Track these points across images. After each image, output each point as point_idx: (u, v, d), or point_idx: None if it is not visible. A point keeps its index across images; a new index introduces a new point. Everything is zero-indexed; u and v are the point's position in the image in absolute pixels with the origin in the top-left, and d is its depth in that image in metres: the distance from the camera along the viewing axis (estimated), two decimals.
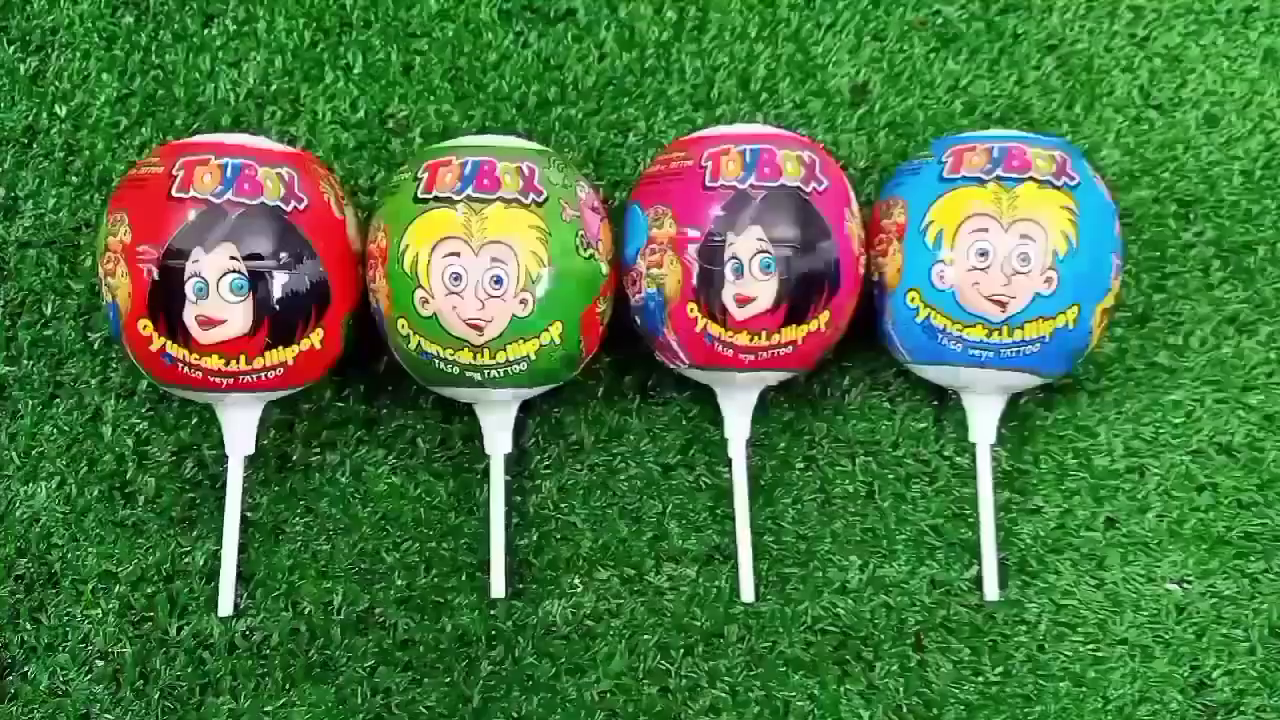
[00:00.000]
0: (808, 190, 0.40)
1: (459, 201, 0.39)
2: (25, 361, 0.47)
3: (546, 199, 0.39)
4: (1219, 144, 0.50)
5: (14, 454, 0.46)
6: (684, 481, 0.47)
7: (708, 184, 0.39)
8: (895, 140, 0.50)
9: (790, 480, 0.47)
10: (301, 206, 0.39)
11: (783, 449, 0.47)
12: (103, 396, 0.46)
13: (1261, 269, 0.48)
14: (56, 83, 0.49)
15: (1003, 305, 0.40)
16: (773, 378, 0.42)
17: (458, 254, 0.38)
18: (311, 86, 0.50)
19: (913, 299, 0.41)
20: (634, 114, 0.50)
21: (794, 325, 0.40)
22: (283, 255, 0.39)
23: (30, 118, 0.49)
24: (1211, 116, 0.50)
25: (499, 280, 0.38)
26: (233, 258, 0.38)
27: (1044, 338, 0.40)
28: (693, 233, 0.39)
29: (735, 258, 0.39)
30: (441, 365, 0.40)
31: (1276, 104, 0.50)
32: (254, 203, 0.38)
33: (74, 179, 0.48)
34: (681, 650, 0.45)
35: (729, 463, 0.45)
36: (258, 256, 0.38)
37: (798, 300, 0.40)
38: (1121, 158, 0.50)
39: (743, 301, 0.39)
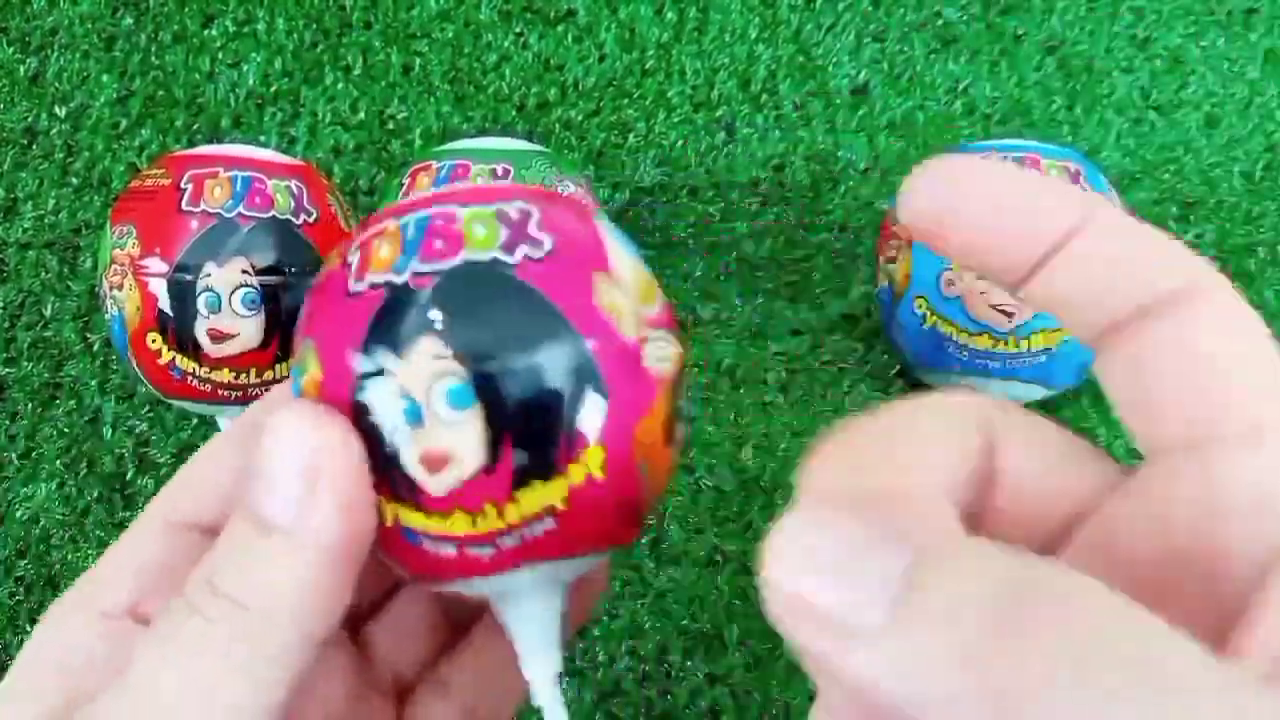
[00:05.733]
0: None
1: None
2: (25, 362, 0.46)
3: None
4: (1219, 145, 0.50)
5: (13, 455, 0.46)
6: (684, 483, 0.47)
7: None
8: (895, 141, 0.50)
9: (790, 481, 0.47)
10: (311, 220, 0.39)
11: (783, 449, 0.47)
12: (103, 398, 0.46)
13: (1262, 271, 0.48)
14: (56, 83, 0.49)
15: (1009, 315, 0.40)
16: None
17: None
18: (311, 87, 0.49)
19: (920, 305, 0.41)
20: (634, 114, 0.50)
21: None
22: (295, 268, 0.39)
23: (30, 118, 0.49)
24: (1212, 118, 0.50)
25: None
26: (244, 271, 0.38)
27: (1050, 349, 0.40)
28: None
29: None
30: None
31: (1277, 105, 0.51)
32: (265, 216, 0.38)
33: (74, 180, 0.48)
34: (682, 653, 0.45)
35: (730, 464, 0.45)
36: (270, 270, 0.38)
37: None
38: (1122, 159, 0.50)
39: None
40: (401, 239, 0.21)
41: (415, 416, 0.20)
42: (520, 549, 0.21)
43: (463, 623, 0.27)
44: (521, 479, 0.20)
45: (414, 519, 0.20)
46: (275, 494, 0.19)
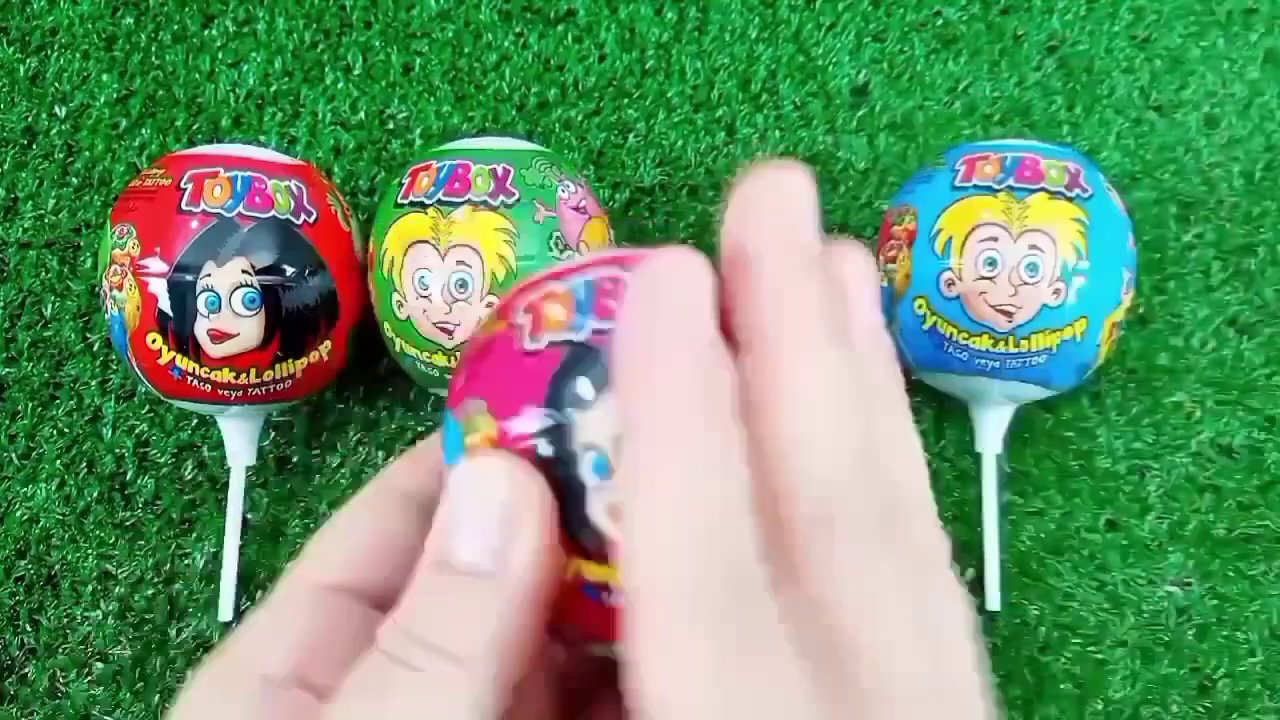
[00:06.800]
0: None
1: (429, 205, 0.39)
2: (25, 362, 0.46)
3: (518, 200, 0.39)
4: (1219, 145, 0.50)
5: (13, 455, 0.46)
6: None
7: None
8: (895, 142, 0.50)
9: None
10: (311, 220, 0.39)
11: None
12: (103, 398, 0.46)
13: (1262, 271, 0.48)
14: (56, 83, 0.49)
15: (1009, 315, 0.40)
16: None
17: (426, 257, 0.38)
18: (311, 87, 0.49)
19: (920, 306, 0.41)
20: (634, 114, 0.50)
21: None
22: (295, 268, 0.39)
23: (30, 118, 0.48)
24: (1212, 118, 0.50)
25: (464, 283, 0.38)
26: (244, 271, 0.38)
27: (1050, 349, 0.40)
28: None
29: None
30: (423, 368, 0.40)
31: (1277, 105, 0.50)
32: (265, 216, 0.38)
33: (74, 180, 0.48)
34: None
35: None
36: (270, 270, 0.38)
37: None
38: (1122, 159, 0.50)
39: None
40: (573, 300, 0.22)
41: (603, 469, 0.20)
42: None
43: (583, 696, 0.27)
44: None
45: (598, 572, 0.21)
46: (474, 540, 0.19)
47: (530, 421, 0.21)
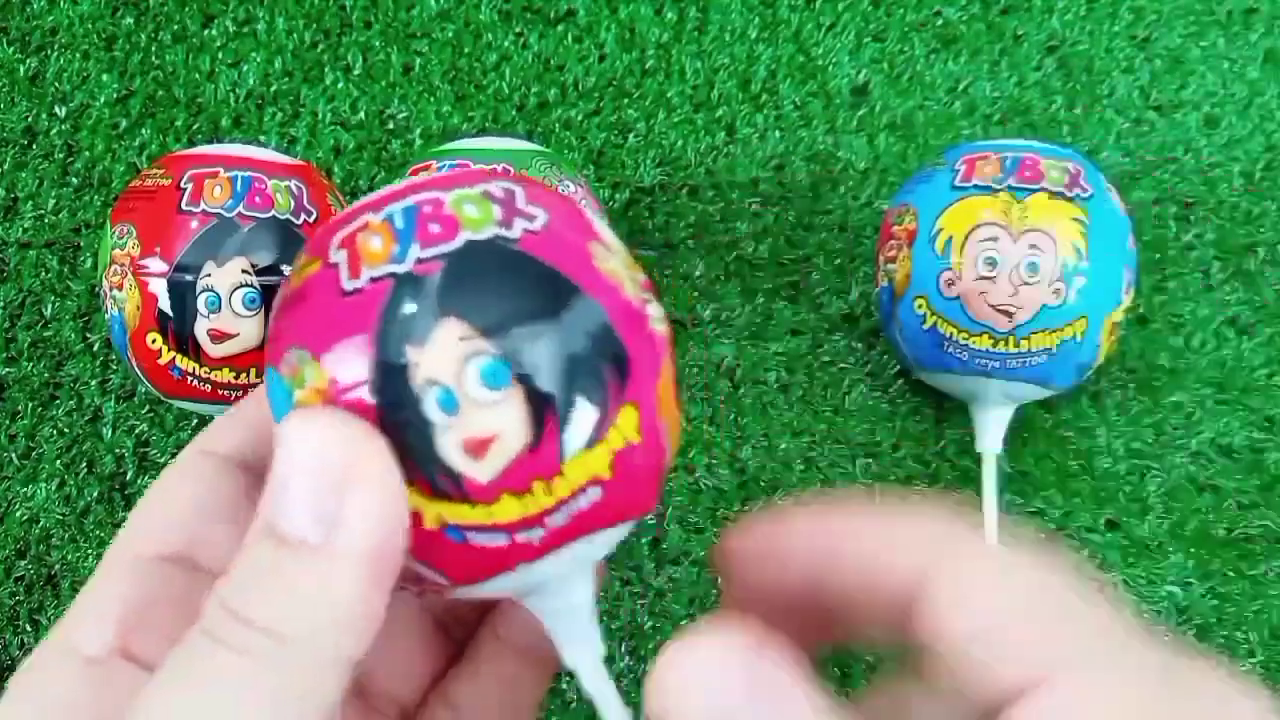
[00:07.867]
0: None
1: None
2: (25, 362, 0.46)
3: None
4: (1219, 145, 0.50)
5: (13, 455, 0.46)
6: (684, 483, 0.47)
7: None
8: (895, 142, 0.50)
9: (790, 481, 0.47)
10: (311, 220, 0.39)
11: (783, 449, 0.47)
12: (103, 398, 0.46)
13: (1262, 271, 0.48)
14: (56, 83, 0.49)
15: (1009, 315, 0.40)
16: None
17: None
18: (311, 87, 0.49)
19: (920, 306, 0.41)
20: (634, 114, 0.50)
21: None
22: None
23: (30, 118, 0.49)
24: (1212, 118, 0.50)
25: None
26: (244, 271, 0.38)
27: (1050, 349, 0.40)
28: None
29: None
30: None
31: (1277, 105, 0.51)
32: (265, 216, 0.38)
33: (74, 180, 0.48)
34: None
35: (730, 464, 0.45)
36: (270, 270, 0.38)
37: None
38: (1122, 159, 0.50)
39: None
40: (392, 229, 0.20)
41: (450, 404, 0.18)
42: (569, 526, 0.20)
43: (459, 641, 0.26)
44: (568, 450, 0.19)
45: (459, 513, 0.19)
46: (300, 508, 0.17)
47: (362, 367, 0.19)
